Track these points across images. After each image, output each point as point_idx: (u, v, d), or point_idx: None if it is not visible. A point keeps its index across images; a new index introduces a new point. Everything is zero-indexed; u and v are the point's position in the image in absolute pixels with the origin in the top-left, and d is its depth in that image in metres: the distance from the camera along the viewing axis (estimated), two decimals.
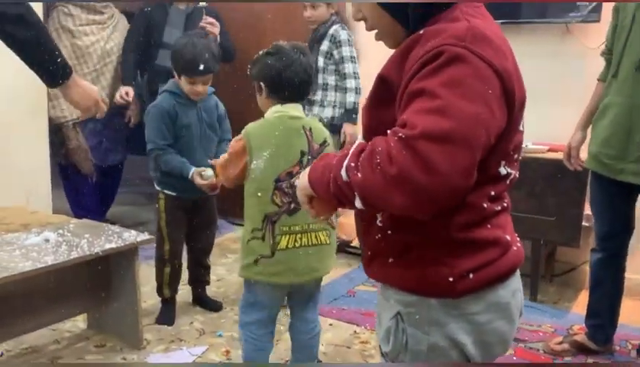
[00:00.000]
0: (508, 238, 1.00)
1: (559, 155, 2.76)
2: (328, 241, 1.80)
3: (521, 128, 1.00)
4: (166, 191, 2.42)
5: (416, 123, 0.81)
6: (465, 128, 0.81)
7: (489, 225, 0.97)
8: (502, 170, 0.96)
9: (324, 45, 3.05)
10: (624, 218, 2.13)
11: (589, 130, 2.22)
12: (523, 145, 2.84)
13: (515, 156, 0.99)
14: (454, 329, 0.96)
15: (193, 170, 2.32)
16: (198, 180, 2.30)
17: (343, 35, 3.03)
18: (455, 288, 0.95)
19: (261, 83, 1.75)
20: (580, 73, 2.86)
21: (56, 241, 1.97)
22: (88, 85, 1.76)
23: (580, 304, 2.77)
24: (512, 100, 0.90)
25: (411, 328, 0.99)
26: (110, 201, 3.75)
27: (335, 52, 3.04)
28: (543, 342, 2.38)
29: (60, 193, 3.48)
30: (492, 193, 0.96)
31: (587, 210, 2.50)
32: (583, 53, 2.83)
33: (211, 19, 3.23)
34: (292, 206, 1.73)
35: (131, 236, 2.06)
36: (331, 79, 3.09)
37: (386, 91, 0.95)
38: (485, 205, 0.95)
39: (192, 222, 2.53)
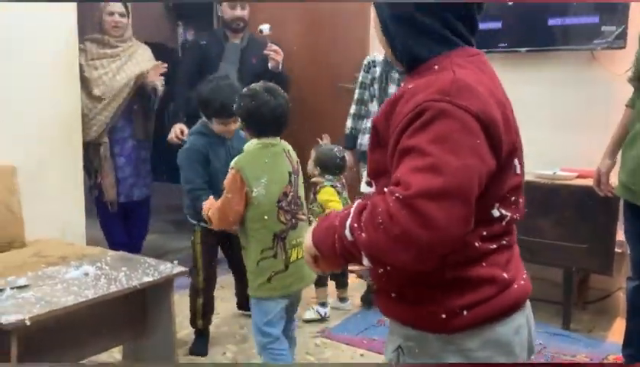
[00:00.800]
0: (505, 276, 1.00)
1: (588, 181, 2.74)
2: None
3: (517, 172, 1.02)
4: (202, 224, 2.48)
5: (410, 182, 0.87)
6: (457, 181, 0.86)
7: (484, 264, 0.98)
8: (495, 213, 0.99)
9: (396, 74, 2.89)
10: None
11: (619, 156, 2.22)
12: (551, 172, 2.86)
13: (513, 198, 1.02)
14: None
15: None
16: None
17: None
18: (448, 324, 0.97)
19: (239, 119, 2.06)
20: (607, 100, 2.86)
21: (95, 274, 2.03)
22: None
23: (616, 333, 2.72)
24: (499, 147, 0.93)
25: (411, 361, 1.02)
26: (143, 234, 3.74)
27: None
28: None
29: (92, 223, 3.56)
30: (485, 233, 0.98)
31: (620, 236, 2.48)
32: (609, 80, 2.83)
33: (275, 47, 3.23)
34: (293, 220, 1.98)
35: (167, 269, 2.11)
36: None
37: (378, 137, 1.03)
38: (477, 244, 0.97)
39: (228, 252, 2.64)
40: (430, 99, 0.90)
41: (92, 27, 3.42)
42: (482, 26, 1.04)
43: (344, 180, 2.85)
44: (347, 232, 0.93)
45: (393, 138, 0.95)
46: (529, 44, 3.02)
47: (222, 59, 3.30)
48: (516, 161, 1.01)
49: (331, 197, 2.68)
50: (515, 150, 1.00)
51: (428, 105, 0.90)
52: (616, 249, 2.66)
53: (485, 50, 2.61)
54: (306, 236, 1.08)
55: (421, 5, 0.98)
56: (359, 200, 0.99)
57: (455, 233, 0.86)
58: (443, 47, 0.99)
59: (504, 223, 1.01)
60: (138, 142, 3.47)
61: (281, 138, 2.06)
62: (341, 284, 3.07)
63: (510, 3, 3.07)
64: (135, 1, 3.77)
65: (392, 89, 2.83)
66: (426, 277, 0.97)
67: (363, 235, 0.91)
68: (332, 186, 2.72)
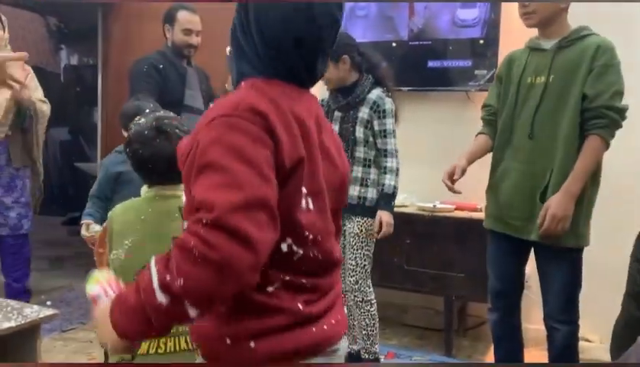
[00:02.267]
0: (300, 307, 0.95)
1: (466, 214, 2.93)
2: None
3: (310, 208, 0.96)
4: None
5: (213, 201, 0.82)
6: (256, 191, 0.85)
7: (270, 289, 0.93)
8: (284, 247, 0.93)
9: (364, 112, 2.52)
10: (517, 277, 2.23)
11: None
12: (431, 205, 2.98)
13: (311, 237, 0.96)
14: None
15: (86, 219, 2.33)
16: (82, 231, 2.31)
17: (387, 104, 2.51)
18: (234, 352, 0.92)
19: None
20: None
21: None
22: None
23: (493, 357, 2.87)
24: (284, 171, 0.90)
25: None
26: (27, 272, 3.25)
27: (376, 123, 2.51)
28: None
29: None
30: (270, 264, 0.91)
31: None
32: None
33: None
34: None
35: (33, 312, 1.92)
36: (372, 154, 2.55)
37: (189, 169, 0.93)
38: (270, 272, 0.93)
39: None
40: (219, 114, 0.90)
41: None
42: None
43: None
44: (160, 295, 0.81)
45: (191, 153, 0.91)
46: (411, 84, 3.20)
47: (186, 86, 3.07)
48: (308, 199, 0.96)
49: None
50: (319, 189, 0.97)
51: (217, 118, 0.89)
52: None
53: None
54: (98, 331, 0.94)
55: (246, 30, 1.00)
56: (152, 261, 0.86)
57: (270, 237, 0.84)
58: (255, 72, 1.00)
59: (295, 259, 0.95)
60: (17, 170, 3.12)
61: None
62: None
63: (394, 44, 3.25)
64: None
65: (335, 127, 2.57)
66: (235, 302, 0.91)
67: (181, 282, 0.80)
68: None
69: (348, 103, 2.54)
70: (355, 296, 2.53)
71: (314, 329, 0.97)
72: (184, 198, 1.25)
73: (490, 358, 2.92)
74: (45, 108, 3.17)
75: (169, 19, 3.06)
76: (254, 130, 0.88)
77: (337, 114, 2.59)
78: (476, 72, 3.09)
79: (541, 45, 2.11)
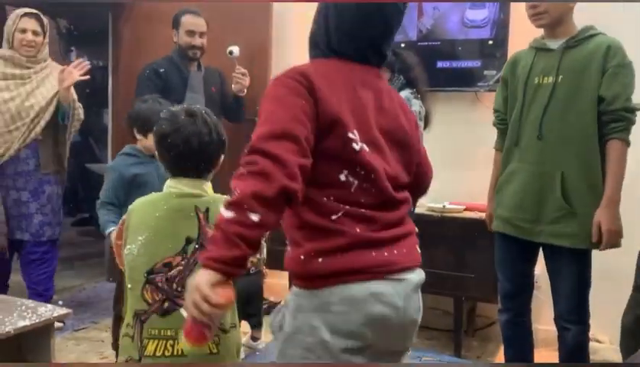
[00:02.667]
0: (358, 230, 1.15)
1: (475, 214, 2.93)
2: (213, 350, 1.46)
3: (356, 149, 1.16)
4: None
5: (253, 136, 1.09)
6: (281, 125, 1.09)
7: (333, 217, 1.14)
8: (342, 177, 1.16)
9: None
10: (527, 278, 2.23)
11: None
12: (440, 205, 2.97)
13: (363, 173, 1.17)
14: (312, 317, 1.14)
15: (111, 229, 2.22)
16: (112, 241, 2.25)
17: (415, 106, 2.41)
18: (307, 267, 1.14)
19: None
20: (490, 138, 3.07)
21: None
22: None
23: (502, 356, 2.87)
24: (325, 119, 1.13)
25: (286, 312, 1.20)
26: (52, 277, 3.18)
27: None
28: None
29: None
30: (332, 193, 1.15)
31: None
32: (491, 119, 3.04)
33: (244, 70, 3.14)
34: (166, 304, 1.46)
35: (47, 311, 1.95)
36: None
37: None
38: (324, 199, 1.15)
39: None
40: (275, 77, 1.17)
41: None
42: None
43: None
44: (226, 212, 1.02)
45: None
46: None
47: (188, 88, 3.11)
48: (361, 144, 1.17)
49: None
50: (349, 129, 1.16)
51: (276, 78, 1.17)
52: None
53: None
54: (198, 275, 1.02)
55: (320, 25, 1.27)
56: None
57: (290, 160, 1.05)
58: (321, 53, 1.26)
59: (352, 190, 1.16)
60: (45, 175, 3.05)
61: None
62: (256, 324, 2.95)
63: (402, 45, 3.25)
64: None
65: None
66: (293, 221, 1.17)
67: (237, 193, 1.02)
68: None
69: None
70: None
71: (373, 253, 1.16)
72: (204, 198, 1.47)
73: (500, 358, 2.92)
74: (81, 111, 3.19)
75: (175, 23, 3.16)
76: (295, 85, 1.13)
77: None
78: (485, 72, 3.09)
79: (548, 45, 2.11)
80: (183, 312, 1.18)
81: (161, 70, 3.10)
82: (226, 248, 1.00)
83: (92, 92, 6.30)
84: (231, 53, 3.13)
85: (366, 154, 1.16)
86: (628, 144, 2.01)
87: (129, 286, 1.50)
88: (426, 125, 2.52)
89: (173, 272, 1.47)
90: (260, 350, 2.94)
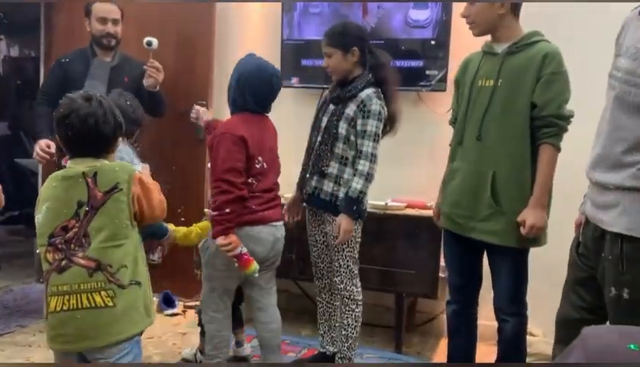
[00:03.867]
0: (254, 207, 2.27)
1: (416, 211, 2.97)
2: (108, 303, 1.61)
3: (258, 166, 2.30)
4: None
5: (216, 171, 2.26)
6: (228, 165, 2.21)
7: (250, 199, 2.26)
8: (250, 180, 2.26)
9: (350, 109, 2.42)
10: (473, 271, 2.30)
11: None
12: (383, 203, 3.01)
13: (259, 177, 2.30)
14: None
15: None
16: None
17: (374, 105, 2.39)
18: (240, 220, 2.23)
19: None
20: (432, 137, 3.13)
21: None
22: None
23: (441, 352, 2.92)
24: (248, 153, 2.22)
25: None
26: None
27: (359, 122, 2.40)
28: None
29: None
30: (249, 188, 2.25)
31: (443, 262, 2.68)
32: (432, 119, 3.11)
33: (157, 63, 3.00)
34: (64, 262, 1.61)
35: None
36: (350, 154, 2.44)
37: None
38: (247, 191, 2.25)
39: None
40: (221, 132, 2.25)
41: None
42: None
43: None
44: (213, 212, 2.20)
45: None
46: None
47: (88, 76, 3.00)
48: (259, 159, 2.29)
49: None
50: (258, 156, 2.29)
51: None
52: (440, 274, 2.88)
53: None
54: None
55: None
56: None
57: (243, 181, 2.22)
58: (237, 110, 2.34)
59: (254, 187, 2.27)
60: None
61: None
62: (236, 322, 2.69)
63: None
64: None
65: (323, 122, 2.53)
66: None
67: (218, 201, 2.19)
68: None
69: (340, 96, 2.47)
70: (342, 295, 2.50)
71: (262, 213, 2.31)
72: (89, 164, 1.67)
73: (439, 353, 2.97)
74: None
75: (87, 12, 3.06)
76: (236, 139, 2.21)
77: (330, 107, 2.51)
78: (428, 72, 3.13)
79: (494, 49, 2.16)
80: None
81: (64, 60, 3.07)
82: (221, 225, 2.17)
83: (23, 83, 6.01)
84: (149, 43, 2.99)
85: (261, 168, 2.32)
86: (558, 149, 2.08)
87: (37, 251, 1.68)
88: (391, 126, 2.48)
89: (70, 234, 1.63)
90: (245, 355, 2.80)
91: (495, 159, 2.11)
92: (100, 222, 1.62)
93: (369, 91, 2.42)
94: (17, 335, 2.98)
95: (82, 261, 1.60)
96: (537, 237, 2.08)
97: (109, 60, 3.09)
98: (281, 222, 2.39)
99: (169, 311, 3.36)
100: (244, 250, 2.19)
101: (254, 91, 2.29)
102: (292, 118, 3.13)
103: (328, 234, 2.50)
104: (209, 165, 2.40)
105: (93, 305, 1.59)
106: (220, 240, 2.15)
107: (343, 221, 2.37)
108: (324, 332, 2.72)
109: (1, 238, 5.07)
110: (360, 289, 2.52)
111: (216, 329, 2.39)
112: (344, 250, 2.47)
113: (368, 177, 2.39)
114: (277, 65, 3.08)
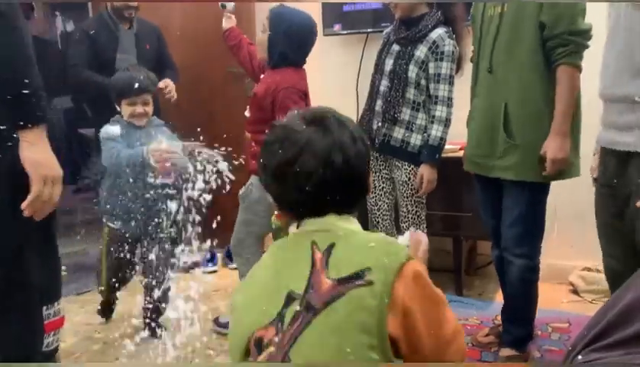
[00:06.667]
0: None
1: None
2: None
3: None
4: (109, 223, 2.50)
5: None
6: None
7: None
8: None
9: (421, 51, 2.30)
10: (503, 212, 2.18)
11: None
12: None
13: None
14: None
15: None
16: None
17: (448, 46, 2.28)
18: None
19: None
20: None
21: None
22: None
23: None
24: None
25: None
26: None
27: (432, 65, 2.31)
28: (471, 336, 2.44)
29: None
30: None
31: None
32: None
33: (167, 80, 3.04)
34: None
35: None
36: (421, 98, 2.36)
37: None
38: None
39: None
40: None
41: None
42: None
43: None
44: None
45: None
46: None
47: (119, 50, 3.05)
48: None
49: None
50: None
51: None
52: None
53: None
54: None
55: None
56: None
57: None
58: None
59: None
60: None
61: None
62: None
63: None
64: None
65: (388, 64, 2.41)
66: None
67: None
68: None
69: (407, 37, 2.33)
70: None
71: None
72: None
73: (501, 296, 2.93)
74: None
75: None
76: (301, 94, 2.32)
77: (394, 47, 2.39)
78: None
79: None
80: None
81: (91, 32, 3.07)
82: None
83: None
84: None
85: None
86: (578, 68, 1.90)
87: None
88: (459, 67, 2.38)
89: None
90: None
91: (505, 90, 1.99)
92: None
93: (440, 30, 2.29)
94: (96, 293, 3.18)
95: None
96: (560, 170, 1.95)
97: (130, 28, 3.14)
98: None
99: (233, 265, 3.48)
100: None
101: (304, 43, 2.34)
102: (338, 66, 3.09)
103: (396, 180, 2.46)
104: (248, 113, 2.40)
105: None
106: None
107: (426, 170, 2.33)
108: None
109: (75, 206, 5.36)
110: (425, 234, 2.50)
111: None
112: (412, 196, 2.42)
113: (447, 123, 2.33)
114: (318, 13, 3.03)
